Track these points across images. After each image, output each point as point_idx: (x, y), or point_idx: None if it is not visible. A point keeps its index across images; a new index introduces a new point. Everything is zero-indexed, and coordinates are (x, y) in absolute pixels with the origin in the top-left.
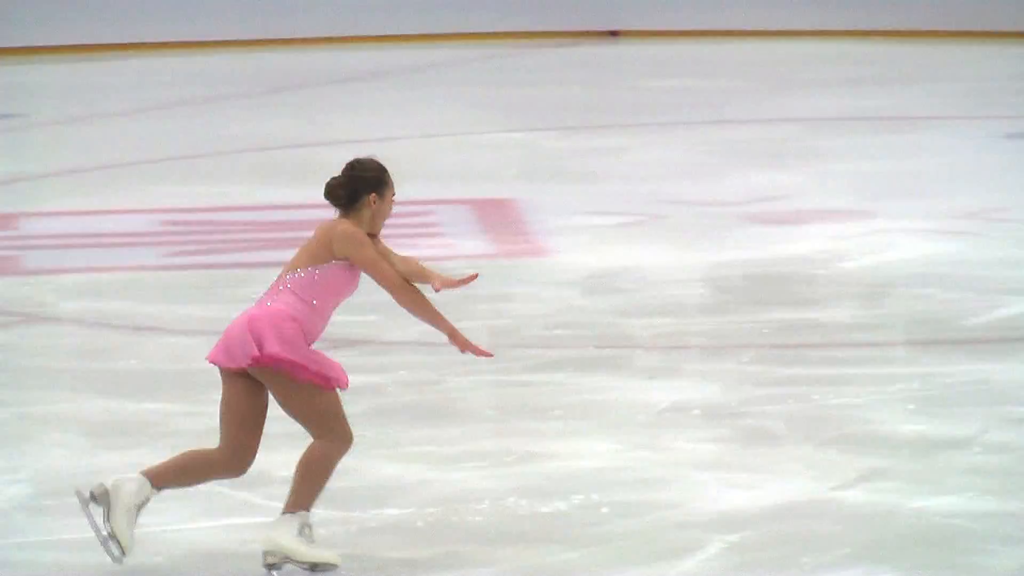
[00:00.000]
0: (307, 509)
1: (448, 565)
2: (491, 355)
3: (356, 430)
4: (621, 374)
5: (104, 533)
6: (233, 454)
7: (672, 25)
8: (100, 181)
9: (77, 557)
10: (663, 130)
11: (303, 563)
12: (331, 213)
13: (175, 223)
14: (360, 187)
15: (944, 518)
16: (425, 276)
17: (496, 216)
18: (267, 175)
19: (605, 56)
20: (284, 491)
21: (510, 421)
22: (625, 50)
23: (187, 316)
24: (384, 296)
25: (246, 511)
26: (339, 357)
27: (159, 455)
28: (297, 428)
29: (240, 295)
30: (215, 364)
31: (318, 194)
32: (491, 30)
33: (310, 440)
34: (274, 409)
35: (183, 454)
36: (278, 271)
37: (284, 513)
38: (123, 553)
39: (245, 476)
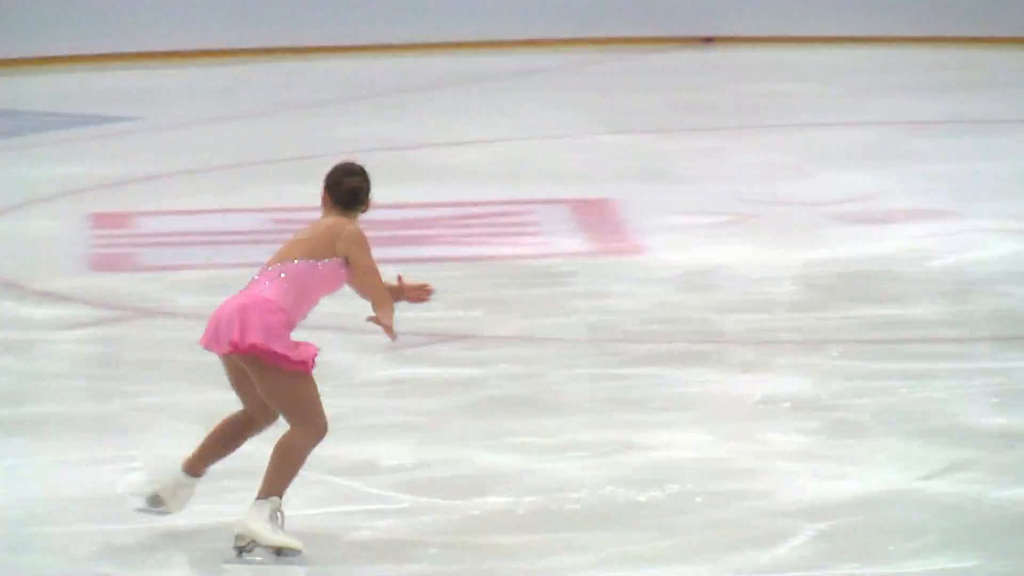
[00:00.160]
0: (279, 495)
1: (547, 551)
2: (394, 337)
3: (459, 421)
4: (715, 368)
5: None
6: (256, 413)
7: (765, 31)
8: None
9: (188, 542)
10: (756, 133)
11: (269, 547)
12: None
13: (285, 221)
14: (368, 191)
15: None
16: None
17: (594, 216)
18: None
19: (700, 61)
20: (391, 480)
21: (607, 413)
22: (719, 55)
23: None
24: (486, 293)
25: (353, 499)
26: (444, 351)
27: (265, 444)
28: (406, 419)
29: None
30: (206, 348)
31: (420, 193)
32: (589, 35)
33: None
34: (374, 407)
35: (213, 432)
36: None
37: (257, 499)
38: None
39: (353, 466)
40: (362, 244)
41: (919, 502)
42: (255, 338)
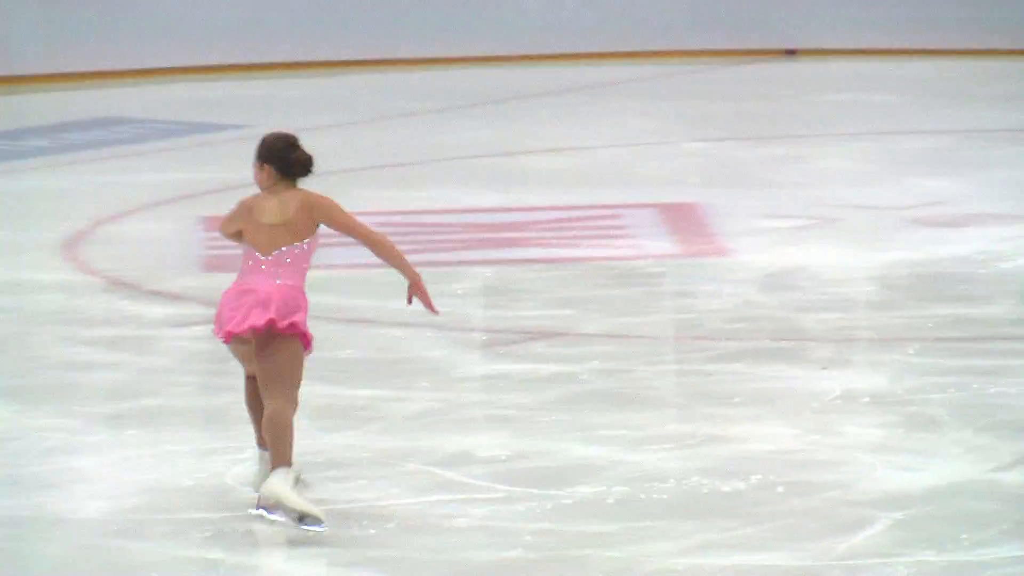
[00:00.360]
0: (290, 463)
1: (635, 539)
2: (438, 312)
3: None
4: (796, 365)
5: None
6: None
7: (846, 44)
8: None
9: (293, 530)
10: (836, 140)
11: (293, 511)
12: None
13: (390, 225)
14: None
15: None
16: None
17: (681, 219)
18: (476, 181)
19: (783, 72)
20: (486, 471)
21: (693, 407)
22: (801, 67)
23: (396, 310)
24: (578, 292)
25: (451, 488)
26: (538, 348)
27: (368, 436)
28: (500, 413)
29: (446, 290)
30: (234, 333)
31: (521, 198)
32: (679, 48)
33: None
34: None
35: (254, 407)
36: (475, 269)
37: (276, 467)
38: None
39: (451, 457)
40: (334, 204)
41: (991, 493)
42: (297, 317)
